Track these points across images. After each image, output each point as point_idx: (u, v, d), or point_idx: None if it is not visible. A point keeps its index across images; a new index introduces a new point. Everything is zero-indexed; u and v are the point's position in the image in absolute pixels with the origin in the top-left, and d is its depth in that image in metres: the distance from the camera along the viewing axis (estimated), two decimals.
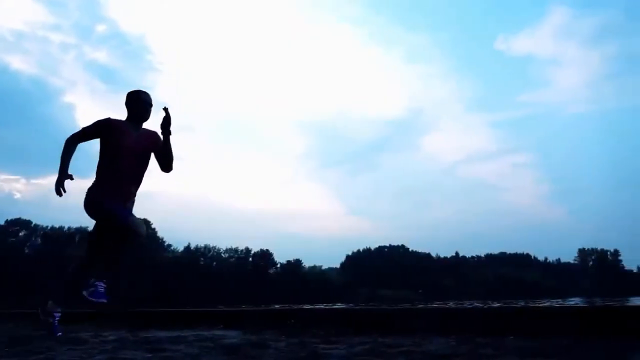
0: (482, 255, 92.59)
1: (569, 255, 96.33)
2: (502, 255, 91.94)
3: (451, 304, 17.60)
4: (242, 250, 77.09)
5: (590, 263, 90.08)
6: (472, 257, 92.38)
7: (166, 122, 3.15)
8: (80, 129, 3.08)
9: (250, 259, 77.08)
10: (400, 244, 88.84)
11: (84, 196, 3.02)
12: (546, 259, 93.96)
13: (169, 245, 71.99)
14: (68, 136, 3.05)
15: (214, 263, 73.80)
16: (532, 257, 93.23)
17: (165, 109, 3.14)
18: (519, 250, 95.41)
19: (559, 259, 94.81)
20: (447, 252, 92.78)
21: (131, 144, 3.07)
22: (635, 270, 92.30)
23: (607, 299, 32.73)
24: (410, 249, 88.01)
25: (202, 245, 74.37)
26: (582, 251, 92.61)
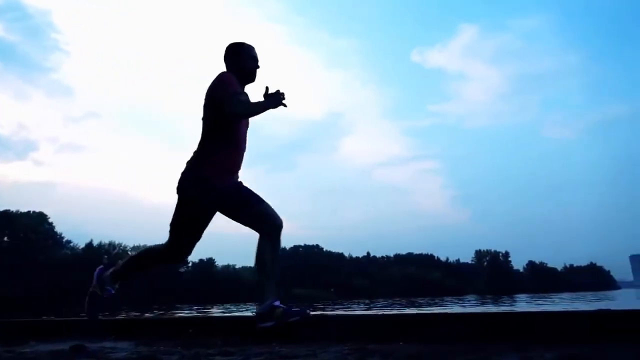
0: (391, 256, 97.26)
1: (467, 256, 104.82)
2: (409, 256, 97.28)
3: (360, 309, 18.07)
4: None
5: (485, 263, 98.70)
6: (382, 257, 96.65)
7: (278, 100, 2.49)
8: (229, 88, 2.31)
9: None
10: (315, 244, 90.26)
11: (186, 171, 2.38)
12: (447, 259, 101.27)
13: (68, 242, 66.32)
14: (233, 108, 2.26)
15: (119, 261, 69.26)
16: (436, 258, 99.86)
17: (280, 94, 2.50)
18: (424, 251, 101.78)
19: (459, 259, 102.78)
20: (359, 252, 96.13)
21: None
22: (521, 270, 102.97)
23: (496, 297, 36.12)
24: (324, 249, 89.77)
25: (107, 241, 69.52)
26: (478, 252, 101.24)
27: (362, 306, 19.45)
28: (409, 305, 18.45)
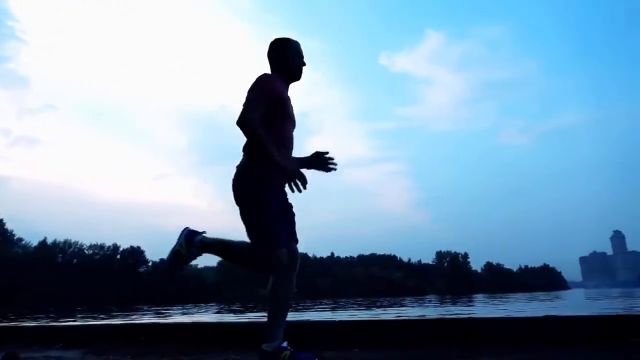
0: (355, 256, 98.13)
1: (428, 257, 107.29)
2: (372, 257, 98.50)
3: (323, 311, 17.96)
4: (109, 247, 71.03)
5: (445, 264, 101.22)
6: (346, 257, 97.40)
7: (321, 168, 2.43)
8: (252, 101, 2.11)
9: (119, 256, 71.26)
10: None
11: (240, 172, 2.19)
12: (410, 259, 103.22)
13: (20, 240, 63.25)
14: (245, 119, 2.07)
15: (75, 260, 66.57)
16: (398, 259, 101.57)
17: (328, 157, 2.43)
18: (387, 252, 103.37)
19: (420, 260, 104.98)
20: (323, 253, 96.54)
21: (292, 110, 2.33)
22: (479, 270, 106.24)
23: (456, 297, 37.13)
24: None
25: (62, 239, 66.76)
26: (439, 253, 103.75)
27: (325, 307, 19.53)
28: (372, 307, 18.65)
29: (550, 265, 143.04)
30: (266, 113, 2.14)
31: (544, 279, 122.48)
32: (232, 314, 13.70)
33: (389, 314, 11.10)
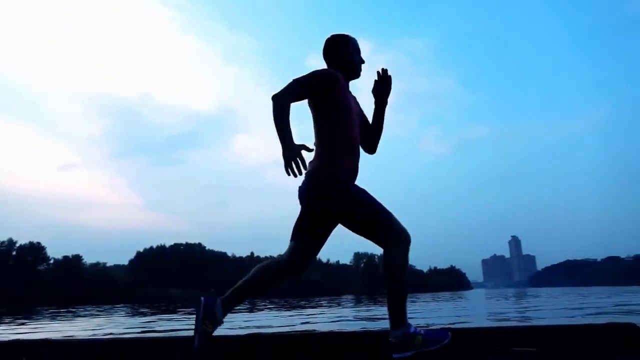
0: (275, 256, 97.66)
1: (346, 258, 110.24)
2: None
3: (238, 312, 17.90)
4: (3, 242, 64.18)
5: (362, 265, 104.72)
6: (266, 257, 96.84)
7: (386, 88, 2.31)
8: (295, 81, 2.00)
9: (14, 252, 64.64)
10: (197, 242, 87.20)
11: (312, 174, 2.03)
12: (328, 260, 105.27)
13: None
14: (277, 94, 1.97)
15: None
16: (317, 259, 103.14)
17: (385, 71, 2.30)
18: None
19: (339, 260, 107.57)
20: (243, 252, 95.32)
21: (355, 107, 2.20)
22: None
23: (371, 297, 38.56)
24: (207, 248, 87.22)
25: None
26: (356, 254, 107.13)
27: (241, 307, 19.30)
28: (288, 308, 18.78)
29: (456, 267, 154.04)
30: (326, 111, 2.07)
31: (450, 280, 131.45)
32: (142, 317, 13.08)
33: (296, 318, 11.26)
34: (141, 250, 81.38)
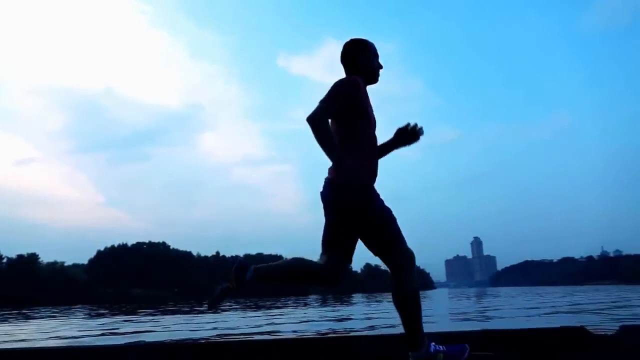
0: (241, 255, 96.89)
1: (314, 258, 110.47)
2: (259, 256, 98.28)
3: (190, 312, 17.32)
4: None
5: None
6: (232, 256, 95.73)
7: (413, 141, 2.25)
8: (325, 100, 1.98)
9: None
10: (161, 241, 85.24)
11: (338, 181, 1.99)
12: None
13: None
14: (313, 117, 1.93)
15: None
16: (284, 259, 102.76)
17: (418, 128, 2.22)
18: (274, 252, 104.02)
19: None
20: (208, 251, 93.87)
21: (372, 112, 2.16)
22: (359, 271, 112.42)
23: (337, 297, 38.78)
24: (171, 247, 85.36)
25: None
26: None
27: (203, 307, 19.01)
28: (254, 308, 18.62)
29: (421, 267, 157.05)
30: (347, 115, 2.05)
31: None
32: (100, 318, 12.67)
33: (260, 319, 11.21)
34: (102, 249, 78.87)
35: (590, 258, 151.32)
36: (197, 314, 13.83)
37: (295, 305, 19.76)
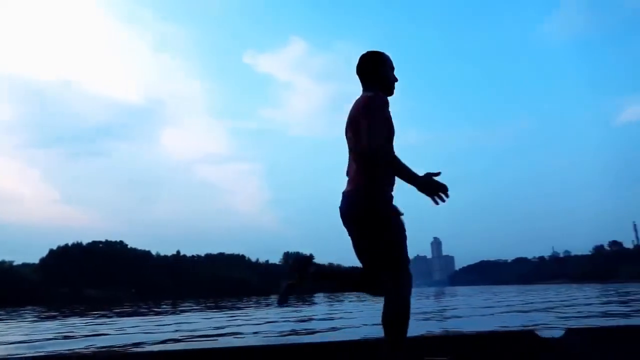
0: (202, 255, 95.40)
1: (276, 257, 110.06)
2: (221, 256, 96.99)
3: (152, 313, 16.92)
4: None
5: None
6: (193, 256, 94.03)
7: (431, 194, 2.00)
8: (377, 127, 1.96)
9: None
10: (118, 240, 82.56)
11: (359, 190, 2.01)
12: (257, 260, 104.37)
13: None
14: (376, 150, 1.92)
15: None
16: (246, 258, 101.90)
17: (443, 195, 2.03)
18: (236, 251, 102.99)
19: (268, 260, 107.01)
20: (168, 250, 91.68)
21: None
22: None
23: (299, 296, 38.78)
24: (129, 246, 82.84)
25: None
26: (286, 254, 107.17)
27: (165, 308, 18.59)
28: (214, 309, 18.38)
29: None
30: None
31: None
32: (51, 321, 12.14)
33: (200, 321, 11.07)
34: (54, 247, 75.52)
35: (542, 258, 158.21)
36: (156, 315, 13.49)
37: (256, 306, 19.64)
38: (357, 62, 2.25)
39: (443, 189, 1.94)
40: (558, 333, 2.19)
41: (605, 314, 7.22)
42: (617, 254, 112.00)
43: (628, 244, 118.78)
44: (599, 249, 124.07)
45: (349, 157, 2.16)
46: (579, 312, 7.98)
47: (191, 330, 7.12)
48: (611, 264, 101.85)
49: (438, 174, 1.97)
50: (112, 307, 24.23)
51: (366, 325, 7.01)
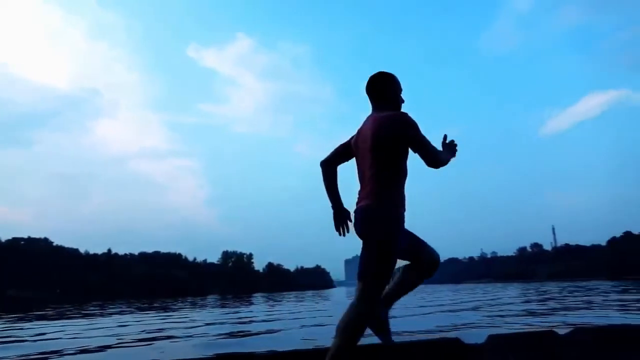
0: (136, 253, 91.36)
1: (214, 256, 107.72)
2: (156, 254, 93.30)
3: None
4: None
5: (230, 264, 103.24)
6: (126, 254, 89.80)
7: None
8: (427, 140, 2.15)
9: None
10: (43, 237, 76.92)
11: (378, 205, 2.13)
12: (195, 259, 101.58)
13: None
14: (439, 161, 2.19)
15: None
16: (183, 257, 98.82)
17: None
18: (172, 250, 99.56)
19: (206, 259, 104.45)
20: (98, 249, 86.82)
21: None
22: (261, 270, 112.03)
23: (237, 297, 38.27)
24: (55, 243, 77.43)
25: None
26: (225, 253, 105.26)
27: (92, 310, 17.57)
28: (145, 310, 17.70)
29: (322, 267, 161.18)
30: (401, 148, 2.17)
31: (315, 279, 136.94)
32: None
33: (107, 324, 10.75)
34: None
35: (471, 259, 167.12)
36: (82, 317, 12.72)
37: (191, 307, 19.14)
38: (368, 82, 2.32)
39: (455, 145, 2.34)
40: (482, 338, 2.34)
41: (527, 313, 7.81)
42: (537, 256, 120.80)
43: (547, 246, 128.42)
44: (522, 250, 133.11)
45: (365, 171, 2.22)
46: (501, 310, 8.56)
47: (117, 335, 6.80)
48: (531, 265, 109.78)
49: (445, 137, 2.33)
50: (34, 309, 22.54)
51: (305, 326, 7.08)
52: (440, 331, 5.39)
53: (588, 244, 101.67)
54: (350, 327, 2.01)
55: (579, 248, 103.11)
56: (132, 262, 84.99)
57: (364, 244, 2.15)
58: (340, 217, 2.38)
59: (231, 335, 6.25)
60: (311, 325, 7.23)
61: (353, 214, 2.23)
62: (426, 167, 2.16)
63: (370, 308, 2.07)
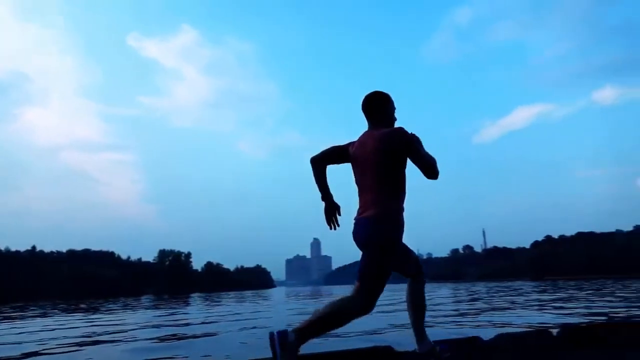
0: (64, 251, 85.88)
1: (150, 255, 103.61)
2: (86, 252, 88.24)
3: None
4: None
5: (167, 263, 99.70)
6: (52, 252, 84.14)
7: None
8: (427, 155, 2.27)
9: None
10: None
11: (381, 214, 2.24)
12: (129, 257, 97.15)
13: None
14: (435, 172, 2.29)
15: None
16: (116, 256, 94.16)
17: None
18: (104, 248, 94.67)
19: (141, 258, 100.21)
20: (21, 245, 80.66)
21: None
22: (199, 270, 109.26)
23: (173, 297, 37.02)
24: None
25: None
26: (162, 252, 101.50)
27: (9, 312, 16.28)
28: (72, 311, 16.70)
29: (262, 266, 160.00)
30: (400, 160, 2.29)
31: (256, 278, 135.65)
32: None
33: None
34: None
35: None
36: (3, 319, 11.76)
37: (124, 308, 18.31)
38: (366, 100, 2.45)
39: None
40: (412, 345, 2.45)
41: (459, 314, 8.22)
42: (468, 257, 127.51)
43: (478, 248, 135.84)
44: (454, 252, 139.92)
45: (367, 183, 2.33)
46: (433, 310, 8.95)
47: (39, 341, 6.36)
48: (463, 266, 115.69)
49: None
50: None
51: (245, 328, 7.00)
52: (376, 333, 5.54)
53: (514, 247, 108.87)
54: (336, 311, 2.13)
55: (506, 250, 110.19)
56: (59, 260, 79.67)
57: (365, 250, 2.26)
58: (331, 210, 2.46)
59: (164, 339, 6.04)
60: (251, 328, 7.16)
61: (354, 223, 2.33)
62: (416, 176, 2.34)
63: (366, 304, 2.18)
